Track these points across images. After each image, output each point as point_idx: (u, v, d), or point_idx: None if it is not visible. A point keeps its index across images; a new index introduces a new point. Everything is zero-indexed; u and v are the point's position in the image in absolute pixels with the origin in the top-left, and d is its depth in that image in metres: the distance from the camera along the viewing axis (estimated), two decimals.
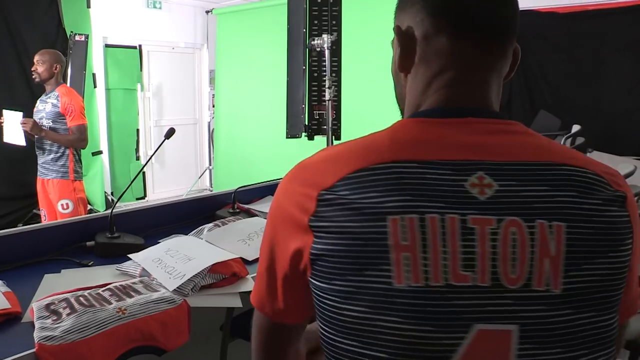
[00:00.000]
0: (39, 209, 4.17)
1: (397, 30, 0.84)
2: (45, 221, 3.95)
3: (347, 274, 0.71)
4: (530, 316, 0.69)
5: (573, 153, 0.78)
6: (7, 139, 3.94)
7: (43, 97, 3.90)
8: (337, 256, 0.71)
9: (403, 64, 0.84)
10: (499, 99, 0.83)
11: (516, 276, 0.69)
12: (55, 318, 1.33)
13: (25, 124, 3.68)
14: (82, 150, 4.04)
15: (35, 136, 3.81)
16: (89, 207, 5.73)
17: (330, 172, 0.75)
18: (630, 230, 0.75)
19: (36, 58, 3.84)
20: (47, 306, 1.38)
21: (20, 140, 3.86)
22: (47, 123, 3.78)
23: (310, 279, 0.75)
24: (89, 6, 6.05)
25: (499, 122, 0.78)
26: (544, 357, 0.69)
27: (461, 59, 0.80)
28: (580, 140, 5.18)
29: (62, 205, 3.84)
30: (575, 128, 5.35)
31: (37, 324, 1.31)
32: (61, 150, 3.84)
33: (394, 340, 0.69)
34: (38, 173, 3.95)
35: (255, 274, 1.76)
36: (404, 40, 0.83)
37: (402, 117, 0.90)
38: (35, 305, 1.40)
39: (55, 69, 3.83)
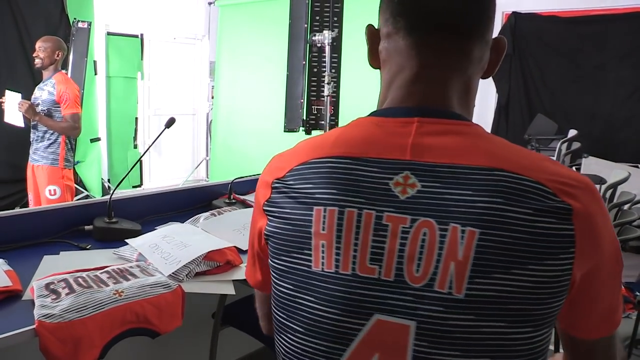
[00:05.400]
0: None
1: (367, 29, 0.89)
2: (31, 206, 3.96)
3: (281, 254, 0.81)
4: (428, 315, 0.71)
5: (521, 158, 0.74)
6: (7, 118, 3.97)
7: (40, 85, 3.91)
8: (277, 238, 0.82)
9: (371, 61, 0.90)
10: (468, 97, 0.83)
11: (419, 275, 0.71)
12: (55, 297, 1.37)
13: (21, 105, 3.70)
14: (80, 137, 4.05)
15: (32, 122, 3.84)
16: (85, 193, 5.77)
17: (286, 163, 0.84)
18: (570, 244, 0.71)
19: (38, 44, 3.85)
20: (47, 285, 1.42)
21: (19, 121, 3.89)
22: (42, 110, 3.80)
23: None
24: None
25: (447, 122, 0.78)
26: (440, 357, 0.70)
27: (417, 58, 0.81)
28: (576, 145, 5.22)
29: (49, 190, 3.83)
30: (572, 133, 5.39)
31: (37, 302, 1.35)
32: (53, 137, 3.84)
33: (307, 317, 0.78)
34: (29, 159, 3.96)
35: None
36: (369, 39, 0.88)
37: None
38: (36, 284, 1.44)
39: (57, 56, 3.84)
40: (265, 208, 0.84)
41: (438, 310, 0.70)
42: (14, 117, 3.88)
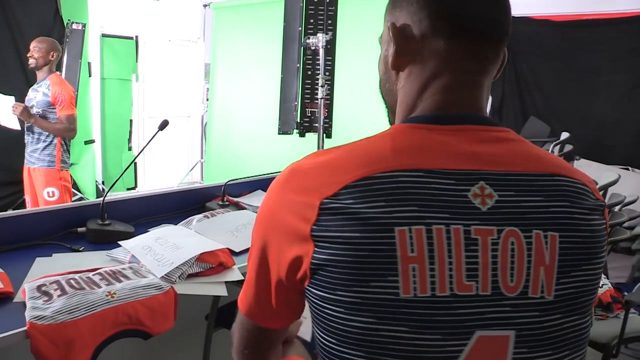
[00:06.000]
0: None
1: (392, 27, 0.82)
2: (29, 208, 3.95)
3: (352, 284, 0.70)
4: (525, 322, 0.72)
5: (562, 162, 0.80)
6: (2, 122, 3.95)
7: (35, 86, 3.90)
8: (341, 267, 0.70)
9: (397, 62, 0.82)
10: (487, 100, 0.84)
11: (514, 285, 0.72)
12: (47, 299, 1.38)
13: (15, 108, 3.67)
14: (74, 139, 4.04)
15: (26, 124, 3.83)
16: (79, 195, 5.76)
17: (332, 179, 0.73)
18: (606, 237, 0.80)
19: (33, 44, 3.84)
20: (39, 287, 1.43)
21: (15, 124, 3.87)
22: (37, 112, 3.78)
23: (309, 288, 0.75)
24: None
25: (493, 129, 0.79)
26: (536, 359, 0.74)
27: (458, 63, 0.79)
28: (568, 147, 5.26)
29: (48, 193, 3.82)
30: (564, 135, 5.43)
31: (28, 304, 1.36)
32: (49, 139, 3.83)
33: (400, 350, 0.70)
34: (25, 161, 3.95)
35: (241, 265, 1.81)
36: (400, 38, 0.81)
37: (387, 111, 0.91)
38: (27, 286, 1.45)
39: (52, 57, 3.83)
40: (314, 234, 0.71)
41: (534, 316, 0.73)
42: (9, 120, 3.86)
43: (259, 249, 0.80)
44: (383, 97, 0.91)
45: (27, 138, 3.90)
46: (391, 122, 0.91)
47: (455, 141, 0.76)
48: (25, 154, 3.94)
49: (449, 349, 0.70)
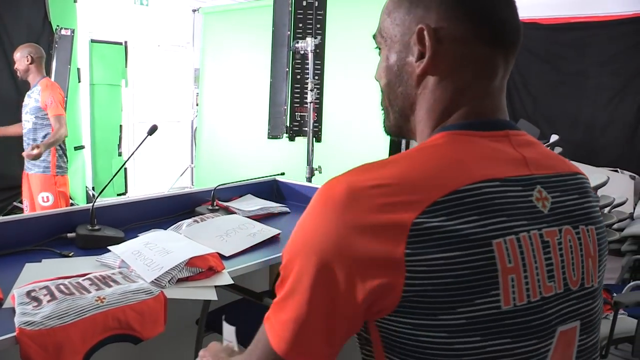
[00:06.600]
0: (20, 202, 4.24)
1: (427, 29, 0.77)
2: (27, 212, 4.01)
3: (456, 306, 0.67)
4: (586, 310, 0.79)
5: (570, 162, 0.88)
6: None
7: (29, 92, 4.02)
8: (442, 289, 0.67)
9: (430, 65, 0.78)
10: None
11: (576, 278, 0.77)
12: (36, 304, 1.37)
13: (28, 156, 3.84)
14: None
15: (24, 130, 3.95)
16: (70, 201, 5.74)
17: (412, 197, 0.68)
18: None
19: (14, 56, 3.98)
20: (28, 293, 1.43)
21: None
22: (30, 118, 3.91)
23: (394, 317, 0.70)
24: (75, 0, 6.05)
25: (520, 133, 0.81)
26: (591, 342, 0.81)
27: (493, 68, 0.79)
28: (558, 149, 5.29)
29: (42, 197, 3.93)
30: (554, 138, 5.46)
31: (18, 310, 1.35)
32: None
33: None
34: (24, 167, 4.08)
35: (231, 269, 1.81)
36: (436, 40, 0.77)
37: (387, 115, 0.89)
38: (17, 291, 1.44)
39: (28, 60, 3.92)
40: (408, 258, 0.66)
41: (590, 304, 0.80)
42: None
43: (315, 281, 0.70)
44: (389, 101, 0.87)
45: (25, 145, 4.01)
46: (389, 126, 0.90)
47: (503, 147, 0.77)
48: (25, 161, 4.04)
49: (542, 350, 0.73)
